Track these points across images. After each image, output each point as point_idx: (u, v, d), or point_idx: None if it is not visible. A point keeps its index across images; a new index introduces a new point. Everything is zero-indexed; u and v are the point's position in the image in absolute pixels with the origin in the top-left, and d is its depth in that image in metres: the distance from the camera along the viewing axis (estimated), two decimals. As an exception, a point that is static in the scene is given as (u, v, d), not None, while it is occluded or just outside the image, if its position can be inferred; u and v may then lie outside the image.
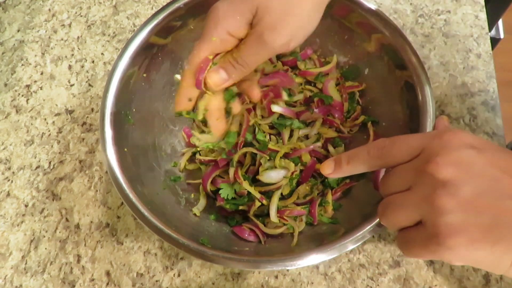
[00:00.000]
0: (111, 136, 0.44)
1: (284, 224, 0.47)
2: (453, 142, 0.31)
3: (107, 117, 0.44)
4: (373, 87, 0.52)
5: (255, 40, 0.37)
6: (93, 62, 0.64)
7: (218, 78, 0.38)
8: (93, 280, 0.49)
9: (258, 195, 0.47)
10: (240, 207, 0.49)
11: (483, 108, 0.56)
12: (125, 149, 0.45)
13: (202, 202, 0.50)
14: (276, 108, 0.50)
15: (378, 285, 0.47)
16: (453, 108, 0.57)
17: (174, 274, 0.49)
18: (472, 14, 0.63)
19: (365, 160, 0.36)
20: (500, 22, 1.05)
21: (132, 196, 0.41)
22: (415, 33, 0.62)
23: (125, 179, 0.42)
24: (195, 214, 0.49)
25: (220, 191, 0.48)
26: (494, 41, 1.06)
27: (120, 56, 0.46)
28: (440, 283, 0.47)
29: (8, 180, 0.56)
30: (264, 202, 0.47)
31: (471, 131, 0.55)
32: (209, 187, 0.50)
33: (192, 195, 0.51)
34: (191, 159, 0.53)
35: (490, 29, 1.01)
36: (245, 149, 0.49)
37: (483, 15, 0.63)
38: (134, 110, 0.48)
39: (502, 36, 1.06)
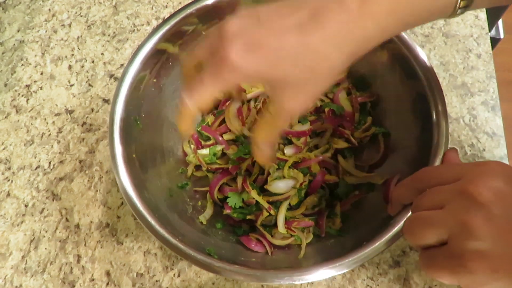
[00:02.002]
0: (119, 142, 0.43)
1: (292, 235, 0.47)
2: (496, 170, 0.30)
3: (117, 123, 0.44)
4: (385, 97, 0.51)
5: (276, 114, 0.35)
6: (93, 62, 0.64)
7: None
8: (93, 280, 0.49)
9: (266, 205, 0.46)
10: (248, 217, 0.48)
11: (483, 108, 0.56)
12: (134, 155, 0.45)
13: (209, 210, 0.50)
14: (288, 151, 0.49)
15: (378, 285, 0.47)
16: (453, 108, 0.57)
17: (174, 274, 0.49)
18: (472, 14, 0.63)
19: (408, 184, 0.36)
20: (500, 22, 1.05)
21: (141, 208, 0.41)
22: (415, 33, 0.62)
23: (134, 188, 0.42)
24: (201, 222, 0.48)
25: (228, 200, 0.48)
26: (494, 41, 1.05)
27: (130, 61, 0.46)
28: (440, 283, 0.47)
29: (8, 180, 0.56)
30: (272, 212, 0.47)
31: (471, 131, 0.55)
32: (216, 195, 0.49)
33: (199, 203, 0.51)
34: (199, 166, 0.53)
35: (490, 29, 1.01)
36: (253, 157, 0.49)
37: (483, 15, 0.63)
38: (143, 115, 0.48)
39: (502, 36, 1.06)
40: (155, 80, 0.49)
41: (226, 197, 0.48)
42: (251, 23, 0.32)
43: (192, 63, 0.36)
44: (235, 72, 0.32)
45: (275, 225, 0.47)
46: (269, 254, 0.46)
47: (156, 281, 0.49)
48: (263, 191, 0.49)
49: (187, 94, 0.34)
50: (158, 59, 0.49)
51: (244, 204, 0.48)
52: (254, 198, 0.47)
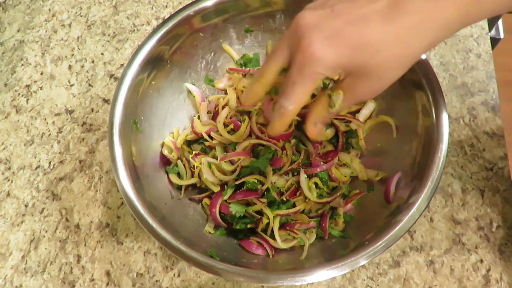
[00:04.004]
0: (119, 145, 0.43)
1: (294, 238, 0.46)
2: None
3: (116, 126, 0.43)
4: (384, 98, 0.51)
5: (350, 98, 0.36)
6: (93, 62, 0.64)
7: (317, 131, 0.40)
8: (93, 280, 0.49)
9: (274, 221, 0.46)
10: (248, 226, 0.48)
11: (483, 108, 0.56)
12: (133, 158, 0.45)
13: (211, 223, 0.49)
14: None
15: (378, 285, 0.47)
16: (453, 108, 0.57)
17: (174, 274, 0.49)
18: (472, 14, 0.63)
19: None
20: (500, 22, 1.05)
21: (142, 211, 0.40)
22: (415, 33, 0.62)
23: (135, 191, 0.41)
24: (209, 232, 0.48)
25: (231, 209, 0.47)
26: (494, 41, 1.05)
27: (129, 64, 0.46)
28: (440, 283, 0.47)
29: (8, 180, 0.56)
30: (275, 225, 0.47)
31: (471, 131, 0.55)
32: (218, 215, 0.48)
33: (200, 205, 0.50)
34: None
35: (490, 29, 1.01)
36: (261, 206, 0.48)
37: (483, 15, 0.63)
38: (142, 118, 0.48)
39: (502, 36, 1.05)
40: (153, 82, 0.49)
41: (226, 214, 0.48)
42: (326, 15, 0.33)
43: (276, 72, 0.36)
44: (318, 63, 0.32)
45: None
46: (270, 257, 0.45)
47: (156, 281, 0.49)
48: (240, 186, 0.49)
49: (285, 100, 0.35)
50: (157, 62, 0.48)
51: (246, 213, 0.48)
52: (257, 210, 0.47)
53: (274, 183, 0.48)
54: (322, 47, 0.32)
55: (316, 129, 0.39)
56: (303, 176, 0.48)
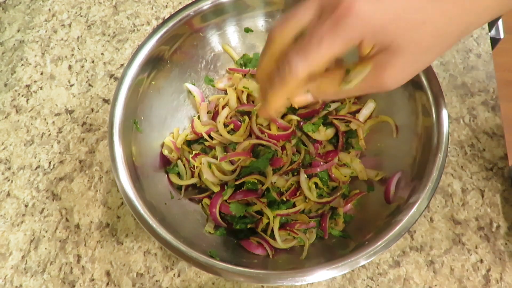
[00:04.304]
0: (119, 145, 0.43)
1: (294, 238, 0.47)
2: None
3: (116, 126, 0.44)
4: (384, 98, 0.51)
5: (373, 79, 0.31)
6: (93, 62, 0.64)
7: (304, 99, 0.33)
8: (93, 280, 0.49)
9: (274, 221, 0.46)
10: (248, 225, 0.48)
11: (483, 108, 0.56)
12: (133, 158, 0.45)
13: (211, 223, 0.49)
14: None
15: (378, 285, 0.47)
16: (453, 108, 0.57)
17: (174, 274, 0.49)
18: (472, 14, 0.63)
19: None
20: (500, 22, 1.05)
21: (142, 211, 0.40)
22: (415, 33, 0.62)
23: (135, 191, 0.41)
24: (209, 233, 0.48)
25: (231, 209, 0.47)
26: (494, 41, 1.05)
27: (129, 64, 0.46)
28: (440, 283, 0.47)
29: (8, 180, 0.56)
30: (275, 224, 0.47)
31: (471, 131, 0.55)
32: (218, 215, 0.48)
33: (200, 205, 0.51)
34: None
35: (490, 29, 1.01)
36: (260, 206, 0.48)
37: (483, 15, 0.63)
38: (142, 118, 0.48)
39: (502, 36, 1.05)
40: (153, 82, 0.49)
41: (226, 214, 0.48)
42: None
43: (293, 32, 0.31)
44: (360, 21, 0.28)
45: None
46: (270, 257, 0.46)
47: (156, 281, 0.49)
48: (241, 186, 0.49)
49: (300, 57, 0.29)
50: (157, 62, 0.49)
51: (246, 213, 0.48)
52: (257, 209, 0.47)
53: (274, 183, 0.48)
54: (370, 4, 0.27)
55: (302, 96, 0.33)
56: (303, 176, 0.48)
